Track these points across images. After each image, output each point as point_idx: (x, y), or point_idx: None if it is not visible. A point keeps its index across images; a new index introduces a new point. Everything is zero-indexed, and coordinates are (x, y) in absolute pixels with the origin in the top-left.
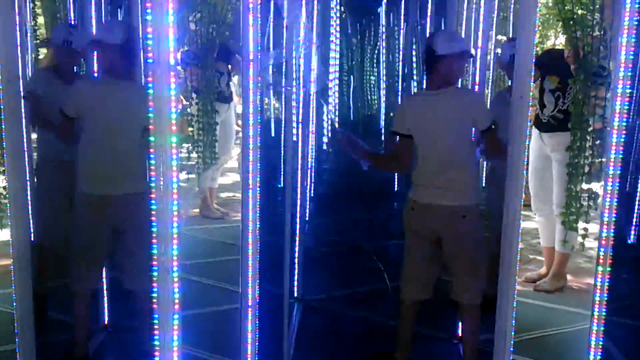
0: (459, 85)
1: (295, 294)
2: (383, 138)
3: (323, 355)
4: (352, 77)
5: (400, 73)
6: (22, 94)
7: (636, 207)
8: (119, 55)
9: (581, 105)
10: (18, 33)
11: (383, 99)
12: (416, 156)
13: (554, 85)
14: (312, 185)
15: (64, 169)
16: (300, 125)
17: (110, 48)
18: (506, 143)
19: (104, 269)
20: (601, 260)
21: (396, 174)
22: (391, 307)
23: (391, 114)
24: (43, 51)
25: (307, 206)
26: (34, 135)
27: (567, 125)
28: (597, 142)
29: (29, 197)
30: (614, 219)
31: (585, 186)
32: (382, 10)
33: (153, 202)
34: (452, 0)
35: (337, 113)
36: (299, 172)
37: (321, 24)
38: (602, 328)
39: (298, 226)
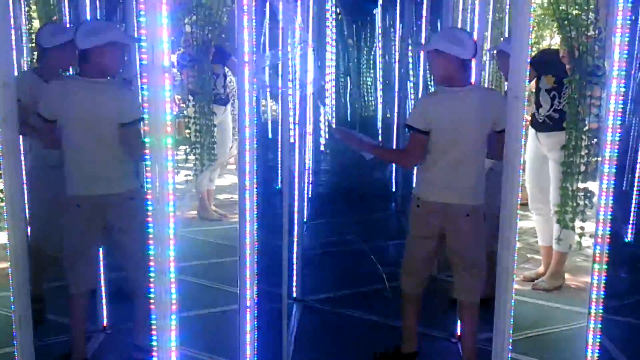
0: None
1: (294, 295)
2: (380, 138)
3: (322, 356)
4: (348, 78)
5: (397, 74)
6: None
7: (633, 205)
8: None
9: (577, 104)
10: (13, 36)
11: (380, 100)
12: (428, 152)
13: (550, 84)
14: (310, 186)
15: (54, 174)
16: (297, 127)
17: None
18: None
19: (100, 269)
20: (597, 258)
21: (395, 173)
22: (390, 307)
23: (388, 115)
24: None
25: (305, 207)
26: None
27: (563, 125)
28: (594, 141)
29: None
30: (609, 217)
31: (581, 185)
32: (378, 11)
33: (149, 203)
34: (447, 1)
35: (333, 114)
36: (297, 173)
37: (317, 25)
38: (599, 326)
39: (296, 227)
